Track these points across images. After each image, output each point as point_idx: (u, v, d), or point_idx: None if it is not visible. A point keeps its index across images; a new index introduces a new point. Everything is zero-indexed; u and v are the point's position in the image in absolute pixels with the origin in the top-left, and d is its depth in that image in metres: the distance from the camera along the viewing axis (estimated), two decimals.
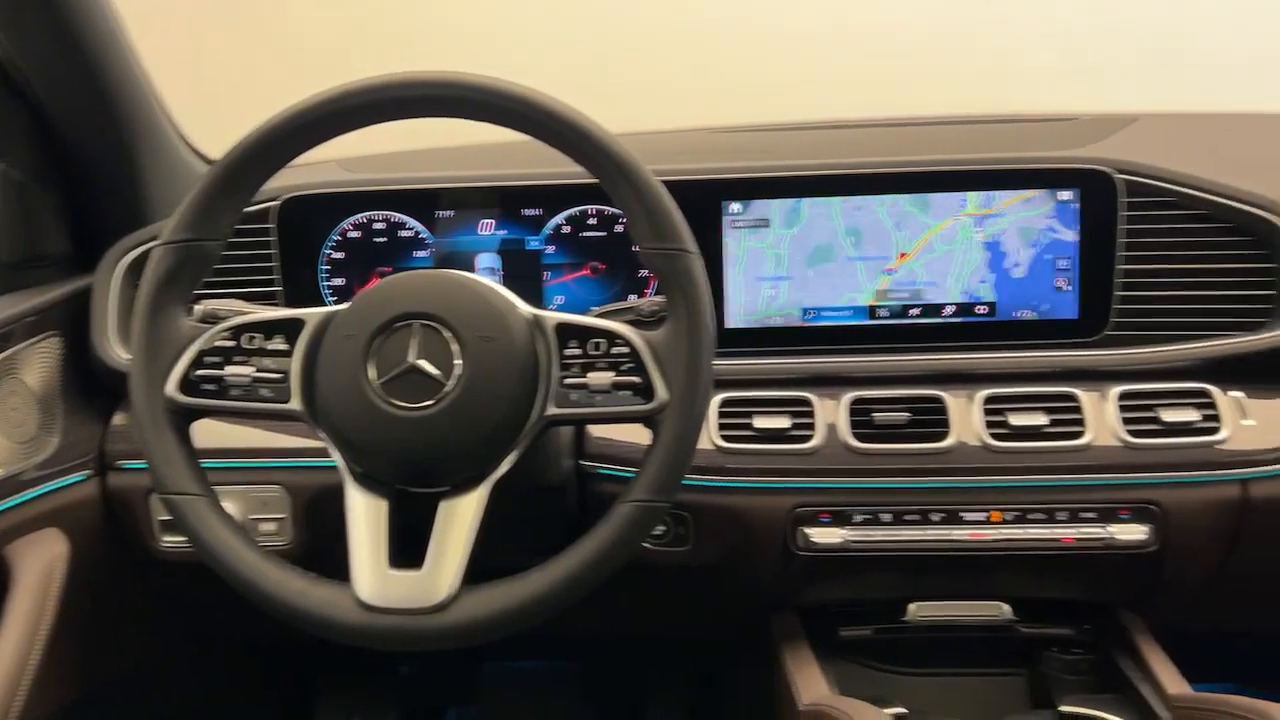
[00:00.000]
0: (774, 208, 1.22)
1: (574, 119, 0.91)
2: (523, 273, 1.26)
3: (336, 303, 0.97)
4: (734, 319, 1.23)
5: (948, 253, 1.21)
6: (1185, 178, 1.19)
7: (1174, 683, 1.11)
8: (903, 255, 1.22)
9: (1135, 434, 1.13)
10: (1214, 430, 1.13)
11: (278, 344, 0.93)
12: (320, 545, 1.18)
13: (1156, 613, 1.22)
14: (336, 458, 0.92)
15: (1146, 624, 1.21)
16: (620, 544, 0.89)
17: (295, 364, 0.93)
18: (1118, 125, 1.31)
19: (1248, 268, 1.19)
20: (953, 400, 1.15)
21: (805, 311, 1.23)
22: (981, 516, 1.14)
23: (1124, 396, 1.15)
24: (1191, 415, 1.13)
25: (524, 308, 0.94)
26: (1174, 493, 1.13)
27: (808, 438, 1.15)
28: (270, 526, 1.19)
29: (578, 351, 0.91)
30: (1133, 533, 1.13)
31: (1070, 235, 1.20)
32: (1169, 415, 1.13)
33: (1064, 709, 1.15)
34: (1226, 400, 1.14)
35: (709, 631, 1.49)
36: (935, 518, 1.15)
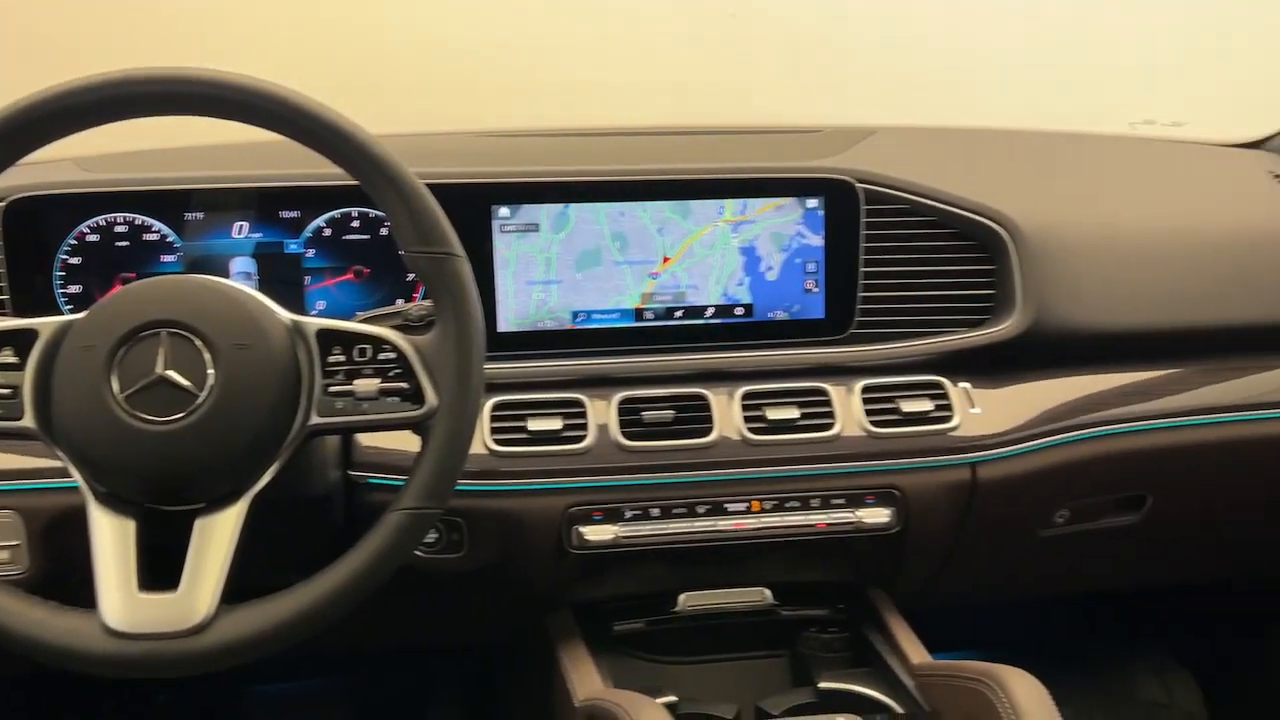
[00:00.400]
0: (542, 212, 1.23)
1: (333, 121, 0.89)
2: (281, 277, 1.21)
3: (73, 311, 0.90)
4: (505, 322, 1.24)
5: (707, 257, 1.27)
6: (917, 187, 1.28)
7: (916, 653, 1.21)
8: (666, 260, 1.26)
9: (878, 424, 1.22)
10: (947, 419, 1.23)
11: (7, 357, 0.87)
12: (62, 572, 1.09)
13: (902, 590, 1.32)
14: (77, 477, 0.87)
15: (894, 601, 1.31)
16: (389, 554, 0.88)
17: (28, 378, 0.87)
18: (859, 137, 1.39)
19: (972, 269, 1.30)
20: (715, 397, 1.20)
21: (575, 314, 1.25)
22: (743, 507, 1.20)
23: (867, 390, 1.23)
24: (926, 405, 1.23)
25: (283, 314, 0.91)
26: (913, 477, 1.23)
27: (580, 438, 1.17)
28: (2, 555, 1.09)
29: (342, 358, 0.90)
30: (878, 516, 1.22)
31: (817, 240, 1.28)
32: (907, 406, 1.23)
33: (822, 685, 1.22)
34: (957, 391, 1.25)
35: (485, 635, 1.48)
36: (701, 510, 1.19)
